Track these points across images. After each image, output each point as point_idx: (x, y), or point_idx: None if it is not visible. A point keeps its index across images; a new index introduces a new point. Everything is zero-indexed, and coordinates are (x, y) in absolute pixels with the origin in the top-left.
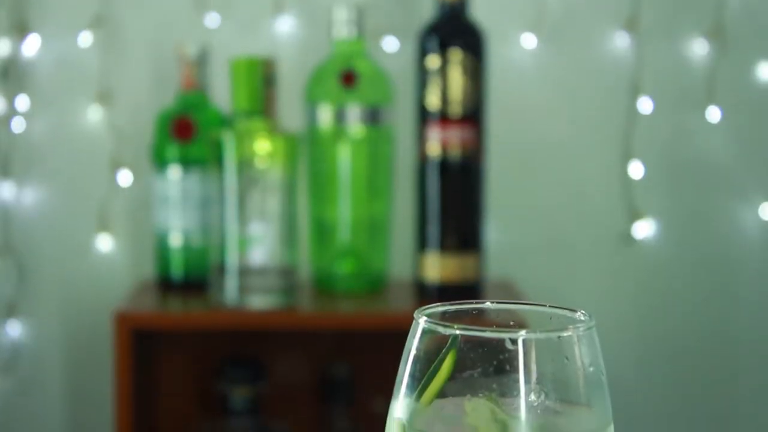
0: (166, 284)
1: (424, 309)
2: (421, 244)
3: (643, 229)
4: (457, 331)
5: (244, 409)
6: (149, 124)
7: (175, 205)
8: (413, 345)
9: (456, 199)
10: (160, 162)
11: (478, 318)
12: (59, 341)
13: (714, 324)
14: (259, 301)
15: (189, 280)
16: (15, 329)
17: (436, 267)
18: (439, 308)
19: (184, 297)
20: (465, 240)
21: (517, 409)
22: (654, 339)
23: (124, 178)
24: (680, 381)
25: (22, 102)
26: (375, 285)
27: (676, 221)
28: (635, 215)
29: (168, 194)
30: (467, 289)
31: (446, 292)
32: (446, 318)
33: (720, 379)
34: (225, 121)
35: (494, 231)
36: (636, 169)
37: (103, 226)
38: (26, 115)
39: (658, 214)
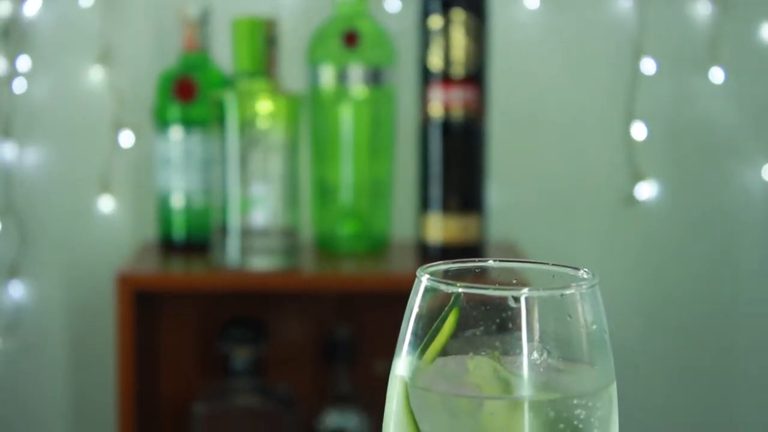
0: (168, 245)
1: (427, 267)
2: (423, 205)
3: (646, 190)
4: (460, 289)
5: (245, 370)
6: (151, 84)
7: (177, 166)
8: (416, 303)
9: (458, 160)
10: (161, 123)
11: (481, 276)
12: (61, 302)
13: (715, 284)
14: (261, 263)
15: (191, 241)
16: (17, 290)
17: (438, 228)
18: (441, 266)
19: (186, 258)
20: (467, 201)
21: (520, 367)
22: (656, 299)
23: (126, 139)
24: (682, 340)
25: (23, 62)
26: (377, 246)
27: (679, 182)
28: (638, 176)
29: (170, 155)
30: (469, 250)
31: (448, 253)
32: (449, 276)
33: (721, 338)
34: (227, 82)
35: (496, 192)
36: (639, 131)
37: (105, 187)
38: (27, 76)
39: (660, 175)
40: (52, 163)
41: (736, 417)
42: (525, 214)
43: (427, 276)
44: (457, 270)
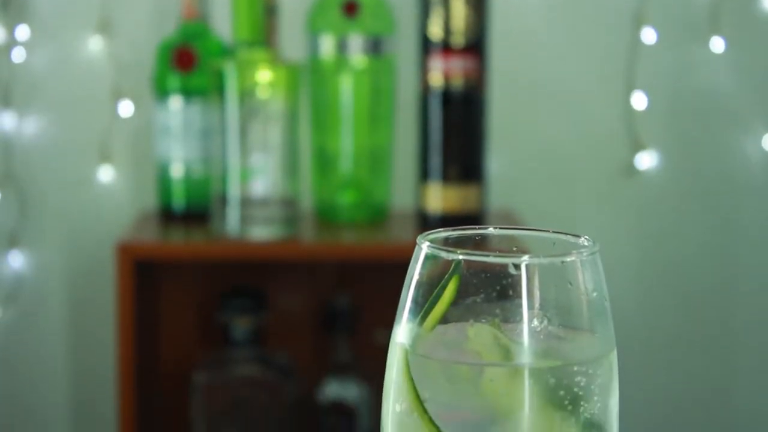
0: (167, 215)
1: (427, 234)
2: (423, 174)
3: (646, 159)
4: (460, 256)
5: (245, 340)
6: (150, 54)
7: (177, 135)
8: (416, 270)
9: (458, 130)
10: (161, 92)
11: (481, 244)
12: (61, 272)
13: (715, 253)
14: (261, 232)
15: (190, 211)
16: (17, 260)
17: (438, 198)
18: (441, 234)
19: (186, 228)
20: (467, 170)
21: (520, 334)
22: (656, 268)
23: (125, 108)
24: (682, 308)
25: (23, 32)
26: (377, 216)
27: (679, 152)
28: (638, 146)
29: (169, 125)
30: (469, 220)
31: (448, 222)
32: (449, 244)
33: (721, 306)
34: (226, 51)
35: (496, 161)
36: (639, 100)
37: (105, 156)
38: (26, 45)
39: (660, 144)
40: (51, 133)
41: (735, 384)
42: (525, 184)
43: (428, 243)
44: (457, 237)
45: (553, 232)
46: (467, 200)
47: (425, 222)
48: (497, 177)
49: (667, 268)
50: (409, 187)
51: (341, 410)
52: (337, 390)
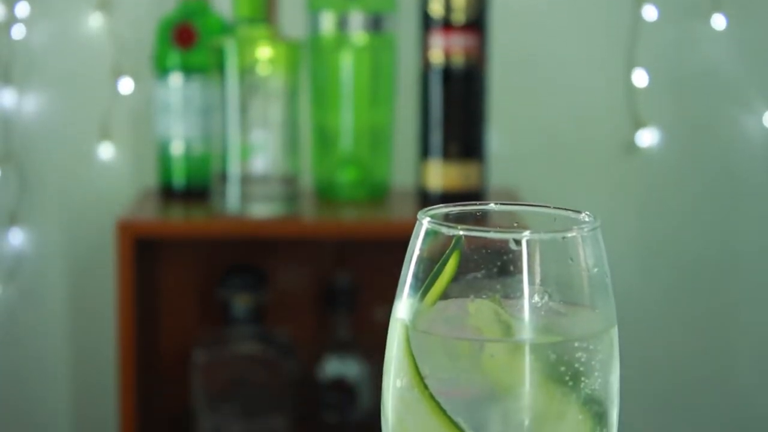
0: (167, 192)
1: (428, 210)
2: (424, 152)
3: (647, 137)
4: (461, 232)
5: (245, 317)
6: (150, 31)
7: (177, 112)
8: (416, 246)
9: (459, 107)
10: (161, 69)
11: (482, 220)
12: (61, 249)
13: (715, 231)
14: (261, 209)
15: (191, 188)
16: (17, 238)
17: (438, 175)
18: (442, 209)
19: (186, 205)
20: (467, 148)
21: (521, 310)
22: (656, 245)
23: (126, 85)
24: (682, 285)
25: (22, 8)
26: (377, 193)
27: (680, 129)
28: (639, 123)
29: (169, 102)
30: (470, 197)
31: (449, 200)
32: (450, 219)
33: (721, 282)
34: (226, 28)
35: (497, 139)
36: (640, 78)
37: (105, 134)
38: (26, 22)
39: (661, 122)
40: (51, 110)
41: (735, 359)
42: (525, 162)
43: (428, 219)
44: (458, 213)
45: (554, 208)
46: (468, 178)
47: (425, 200)
48: (498, 154)
49: (668, 245)
50: (410, 165)
51: (341, 388)
52: (338, 367)
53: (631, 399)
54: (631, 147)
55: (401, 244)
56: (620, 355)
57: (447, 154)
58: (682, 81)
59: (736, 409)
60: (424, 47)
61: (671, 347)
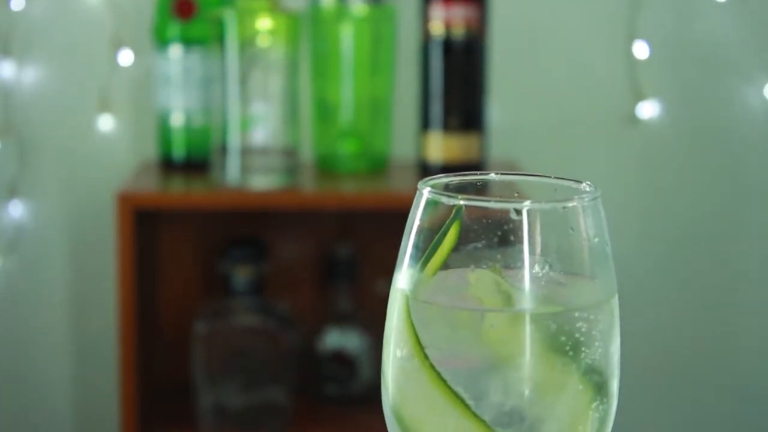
0: (167, 164)
1: (428, 180)
2: (424, 124)
3: (648, 109)
4: (461, 202)
5: (246, 289)
6: (150, 2)
7: (177, 84)
8: (417, 216)
9: (459, 79)
10: (161, 41)
11: (482, 189)
12: (61, 221)
13: (716, 202)
14: (261, 181)
15: (191, 160)
16: (17, 209)
17: (438, 147)
18: (442, 179)
19: (186, 177)
20: (468, 120)
21: (521, 280)
22: (657, 217)
23: (125, 57)
24: (683, 255)
25: None
26: (377, 165)
27: (681, 101)
28: (639, 95)
29: (169, 74)
30: (470, 169)
31: (449, 172)
32: (450, 189)
33: (721, 252)
34: (226, 0)
35: (497, 111)
36: (641, 50)
37: (105, 106)
38: None
39: (662, 94)
40: (51, 82)
41: (735, 327)
42: (526, 134)
43: (429, 189)
44: (458, 183)
45: (555, 178)
46: (468, 150)
47: (425, 172)
48: (498, 126)
49: (668, 217)
50: (410, 137)
51: (342, 360)
52: (338, 339)
53: (631, 369)
54: (632, 119)
55: (401, 216)
56: (620, 324)
57: (447, 126)
58: (682, 53)
59: (736, 378)
60: (425, 19)
61: (671, 317)
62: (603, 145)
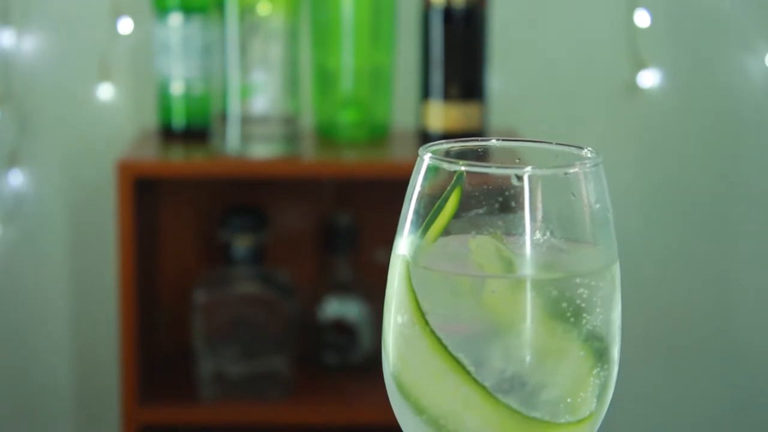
0: (167, 133)
1: (429, 146)
2: (425, 93)
3: (648, 78)
4: (462, 168)
5: (246, 258)
6: None
7: (177, 53)
8: (417, 182)
9: (460, 48)
10: (160, 9)
11: (483, 156)
12: (61, 190)
13: (716, 170)
14: (261, 150)
15: (191, 128)
16: (17, 178)
17: (439, 116)
18: (443, 146)
19: (186, 146)
20: (468, 89)
21: (522, 246)
22: (658, 186)
23: (125, 25)
24: (683, 223)
25: None
26: (378, 134)
27: (682, 70)
28: (640, 64)
29: (169, 42)
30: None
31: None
32: (451, 156)
33: (722, 219)
34: None
35: (498, 80)
36: (642, 18)
37: (104, 74)
38: None
39: (663, 63)
40: (50, 51)
41: (735, 295)
42: (526, 103)
43: (430, 155)
44: (459, 150)
45: (556, 144)
46: (468, 118)
47: (426, 141)
48: (499, 95)
49: (668, 187)
50: (410, 106)
51: (342, 328)
52: (338, 308)
53: (631, 335)
54: (633, 88)
55: (401, 185)
56: (621, 291)
57: (448, 95)
58: (683, 22)
59: (736, 343)
60: None
61: (672, 283)
62: (604, 114)
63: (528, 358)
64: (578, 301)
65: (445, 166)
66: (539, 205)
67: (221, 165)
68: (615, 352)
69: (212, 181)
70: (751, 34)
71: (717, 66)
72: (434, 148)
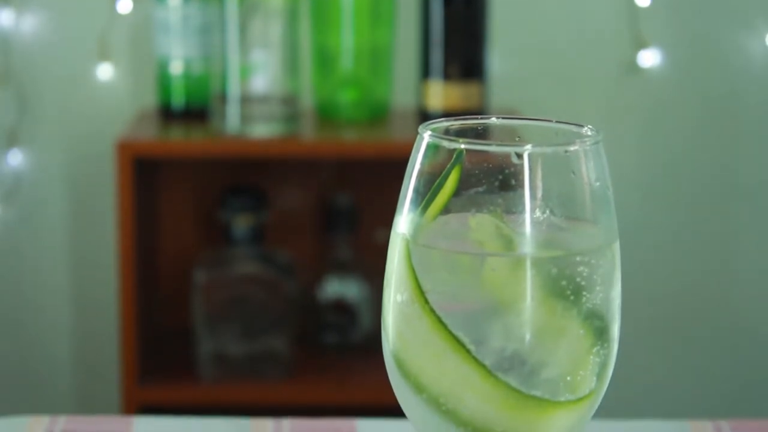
0: (167, 113)
1: (429, 124)
2: (425, 72)
3: (649, 57)
4: (462, 146)
5: (246, 238)
6: None
7: (176, 32)
8: (417, 160)
9: (460, 27)
10: None
11: (483, 134)
12: (61, 170)
13: (716, 149)
14: (261, 129)
15: (190, 108)
16: (16, 158)
17: (439, 96)
18: (443, 123)
19: (186, 125)
20: (468, 68)
21: (522, 224)
22: (658, 165)
23: (124, 5)
24: (683, 202)
25: None
26: (378, 113)
27: (682, 50)
28: (641, 44)
29: (168, 21)
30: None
31: None
32: (450, 134)
33: (722, 198)
34: None
35: (498, 59)
36: None
37: (104, 54)
38: None
39: (663, 42)
40: (50, 30)
41: (735, 274)
42: (526, 82)
43: (429, 132)
44: (459, 128)
45: (556, 122)
46: (468, 98)
47: (426, 120)
48: (499, 75)
49: (669, 167)
50: (410, 85)
51: (341, 308)
52: (338, 288)
53: (631, 313)
54: (633, 67)
55: (401, 164)
56: (621, 270)
57: (448, 75)
58: (684, 1)
59: (734, 322)
60: None
61: (672, 262)
62: (604, 94)
63: (528, 337)
64: (578, 280)
65: (445, 144)
66: (539, 183)
67: (221, 145)
68: (615, 331)
69: (212, 161)
70: (752, 13)
71: (717, 45)
72: (434, 126)
